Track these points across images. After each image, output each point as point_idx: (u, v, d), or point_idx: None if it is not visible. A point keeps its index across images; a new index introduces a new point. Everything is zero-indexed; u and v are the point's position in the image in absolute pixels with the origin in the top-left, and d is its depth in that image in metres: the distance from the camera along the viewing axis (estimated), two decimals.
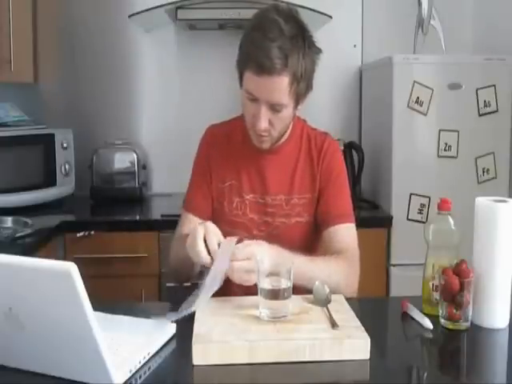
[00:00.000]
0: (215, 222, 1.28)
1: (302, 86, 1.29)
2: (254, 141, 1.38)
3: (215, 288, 1.12)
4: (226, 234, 1.26)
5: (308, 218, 1.43)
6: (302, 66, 1.25)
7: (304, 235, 1.43)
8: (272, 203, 1.42)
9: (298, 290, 1.17)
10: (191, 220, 1.44)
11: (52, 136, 2.37)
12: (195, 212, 1.45)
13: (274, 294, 1.05)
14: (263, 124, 1.29)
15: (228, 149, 1.47)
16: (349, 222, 1.40)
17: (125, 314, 1.11)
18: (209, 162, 1.47)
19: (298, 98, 1.31)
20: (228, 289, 1.19)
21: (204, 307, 1.09)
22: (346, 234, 1.38)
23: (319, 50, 1.31)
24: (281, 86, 1.24)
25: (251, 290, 1.31)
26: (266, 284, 1.06)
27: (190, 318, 1.05)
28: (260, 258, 1.10)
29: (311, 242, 1.43)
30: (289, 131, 1.43)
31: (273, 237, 1.38)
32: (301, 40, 1.25)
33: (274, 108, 1.28)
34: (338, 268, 1.28)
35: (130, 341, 0.98)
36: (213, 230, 1.18)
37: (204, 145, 1.51)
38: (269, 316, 1.05)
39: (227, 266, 1.12)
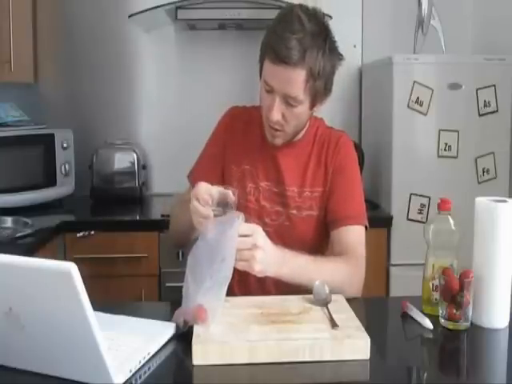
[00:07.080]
0: None
1: (319, 85, 1.28)
2: (267, 136, 1.38)
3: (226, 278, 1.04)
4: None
5: (319, 212, 1.41)
6: (319, 64, 1.25)
7: (316, 229, 1.41)
8: (285, 194, 1.41)
9: (298, 289, 1.17)
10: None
11: (52, 136, 2.37)
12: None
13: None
14: (275, 115, 1.29)
15: (245, 137, 1.46)
16: (358, 223, 1.37)
17: (125, 314, 1.11)
18: (224, 143, 1.47)
19: (315, 97, 1.31)
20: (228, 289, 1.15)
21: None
22: (352, 235, 1.36)
23: (341, 57, 1.32)
24: (296, 79, 1.24)
25: (251, 291, 1.30)
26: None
27: None
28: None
29: (323, 237, 1.42)
30: (304, 130, 1.42)
31: (284, 227, 1.39)
32: (321, 39, 1.26)
33: (289, 102, 1.28)
34: (341, 270, 1.27)
35: (130, 341, 0.98)
36: (202, 191, 1.14)
37: (223, 125, 1.51)
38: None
39: (233, 248, 1.04)
